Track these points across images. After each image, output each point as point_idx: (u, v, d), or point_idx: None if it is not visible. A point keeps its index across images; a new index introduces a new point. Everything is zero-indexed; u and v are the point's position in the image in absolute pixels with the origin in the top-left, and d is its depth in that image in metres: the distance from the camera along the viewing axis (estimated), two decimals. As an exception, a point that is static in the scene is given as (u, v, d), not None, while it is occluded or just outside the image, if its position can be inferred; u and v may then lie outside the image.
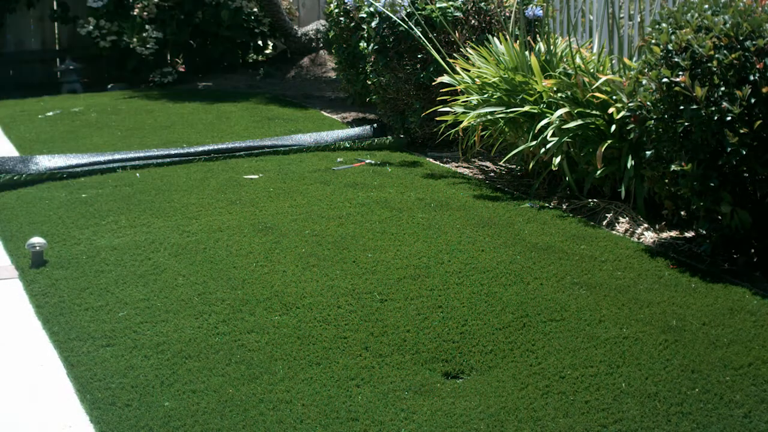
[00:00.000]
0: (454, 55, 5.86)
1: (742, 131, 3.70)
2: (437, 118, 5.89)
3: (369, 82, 6.82)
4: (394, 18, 5.97)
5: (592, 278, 3.86)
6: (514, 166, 5.72)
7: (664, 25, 4.07)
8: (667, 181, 4.07)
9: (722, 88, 3.75)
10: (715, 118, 3.75)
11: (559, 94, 5.00)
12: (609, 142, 4.65)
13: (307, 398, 2.92)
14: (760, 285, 3.79)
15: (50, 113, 6.63)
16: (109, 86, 9.69)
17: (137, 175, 5.65)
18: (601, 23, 5.82)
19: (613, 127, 4.66)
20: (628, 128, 4.52)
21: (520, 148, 5.16)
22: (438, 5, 6.11)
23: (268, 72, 10.00)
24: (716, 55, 3.77)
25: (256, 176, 5.56)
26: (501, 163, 5.72)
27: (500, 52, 5.60)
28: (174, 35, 9.68)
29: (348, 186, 5.30)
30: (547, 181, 5.29)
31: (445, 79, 5.72)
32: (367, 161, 5.74)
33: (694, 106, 3.79)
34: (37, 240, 4.13)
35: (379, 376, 3.06)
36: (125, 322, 3.49)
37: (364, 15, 6.52)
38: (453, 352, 3.23)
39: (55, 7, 9.93)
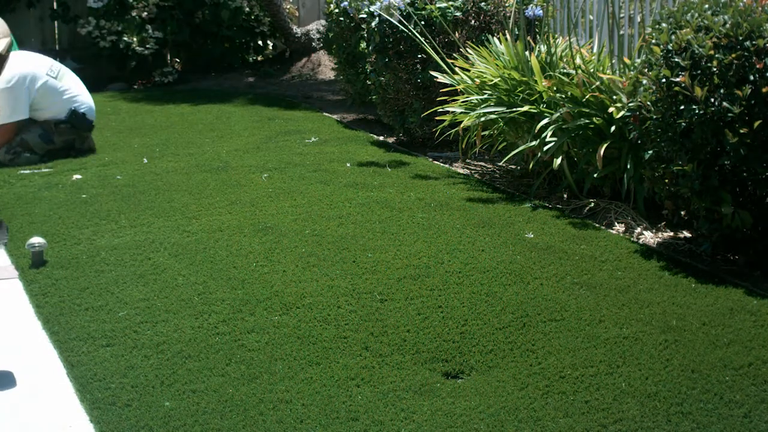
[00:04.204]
0: (454, 55, 5.86)
1: (742, 131, 3.70)
2: (437, 118, 5.89)
3: (369, 82, 6.82)
4: (392, 21, 5.97)
5: (592, 278, 3.86)
6: (514, 166, 5.72)
7: (664, 25, 4.07)
8: (667, 181, 4.07)
9: (722, 88, 3.75)
10: (715, 118, 3.75)
11: (559, 94, 5.00)
12: (609, 142, 4.65)
13: (307, 398, 2.92)
14: (760, 285, 3.79)
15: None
16: (109, 86, 9.69)
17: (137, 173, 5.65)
18: (601, 23, 5.82)
19: (613, 127, 4.66)
20: (628, 128, 4.53)
21: (520, 148, 5.16)
22: (438, 5, 6.11)
23: (267, 72, 10.00)
24: (716, 55, 3.76)
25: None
26: (501, 163, 5.72)
27: (500, 52, 5.60)
28: (174, 35, 9.68)
29: (348, 186, 5.30)
30: (547, 181, 5.29)
31: (443, 79, 5.72)
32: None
33: (694, 106, 3.79)
34: (37, 240, 4.13)
35: (379, 376, 3.06)
36: (125, 322, 3.49)
37: (364, 15, 6.53)
38: (453, 352, 3.23)
39: (55, 7, 9.93)
